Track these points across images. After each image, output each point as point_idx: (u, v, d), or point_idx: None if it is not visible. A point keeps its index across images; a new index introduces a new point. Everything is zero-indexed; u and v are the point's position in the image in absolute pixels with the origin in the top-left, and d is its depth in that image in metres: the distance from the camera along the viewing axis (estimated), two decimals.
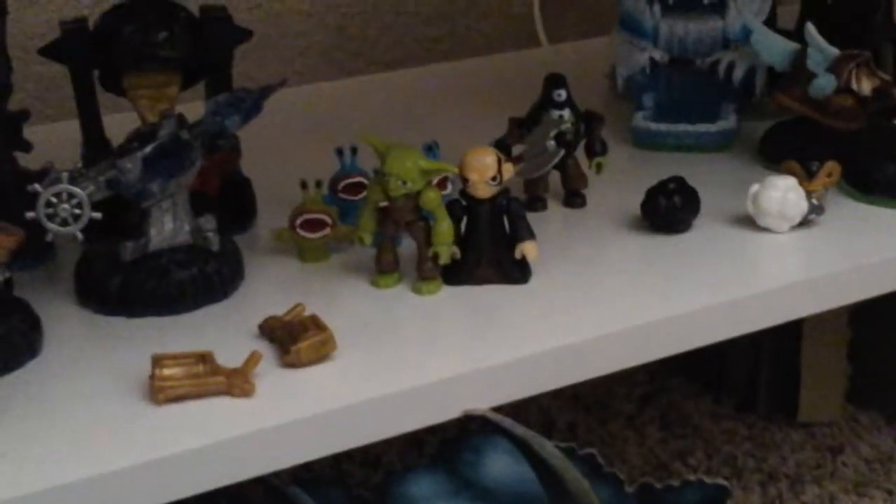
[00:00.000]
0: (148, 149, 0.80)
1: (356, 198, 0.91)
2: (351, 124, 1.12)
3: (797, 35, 1.02)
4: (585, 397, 1.22)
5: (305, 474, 0.98)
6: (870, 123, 0.96)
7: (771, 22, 1.06)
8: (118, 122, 0.92)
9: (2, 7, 0.88)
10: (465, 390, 0.74)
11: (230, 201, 0.92)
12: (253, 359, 0.72)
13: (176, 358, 0.71)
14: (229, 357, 0.73)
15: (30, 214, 0.77)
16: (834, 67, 0.96)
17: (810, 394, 1.15)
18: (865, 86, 0.96)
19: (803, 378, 1.15)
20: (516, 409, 0.77)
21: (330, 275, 0.86)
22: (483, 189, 0.83)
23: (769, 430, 1.17)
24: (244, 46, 0.92)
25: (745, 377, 1.19)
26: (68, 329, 0.80)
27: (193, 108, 0.86)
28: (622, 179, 0.98)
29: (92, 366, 0.75)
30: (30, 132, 0.91)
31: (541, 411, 1.19)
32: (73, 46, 0.89)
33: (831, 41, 0.97)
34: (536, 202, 0.94)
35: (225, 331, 0.79)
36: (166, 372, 0.70)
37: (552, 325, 0.79)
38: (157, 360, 0.71)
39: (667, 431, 1.17)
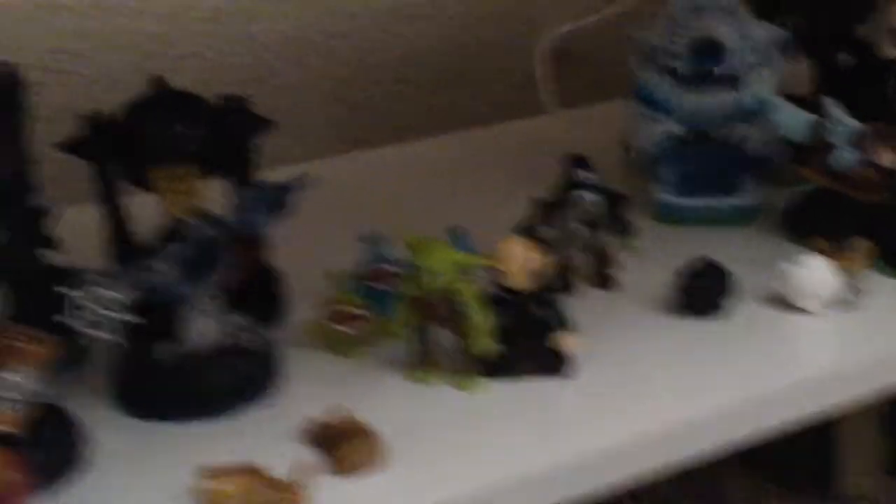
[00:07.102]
0: (181, 250, 0.79)
1: (387, 287, 0.90)
2: (366, 200, 1.12)
3: (810, 101, 1.02)
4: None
5: None
6: (893, 196, 0.95)
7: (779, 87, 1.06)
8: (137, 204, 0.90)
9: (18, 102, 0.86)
10: (519, 494, 0.73)
11: (260, 295, 0.91)
12: (302, 469, 0.71)
13: (227, 472, 0.70)
14: (273, 461, 0.72)
15: (61, 318, 0.76)
16: (855, 140, 0.96)
17: (847, 467, 1.14)
18: (887, 158, 0.96)
19: (840, 451, 1.14)
20: None
21: (368, 369, 0.85)
22: (518, 280, 0.82)
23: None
24: None
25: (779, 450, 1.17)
26: (106, 437, 0.78)
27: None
28: (649, 257, 0.98)
29: (133, 478, 0.74)
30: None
31: None
32: (96, 143, 0.87)
33: (847, 111, 0.97)
34: (567, 286, 0.94)
35: (267, 435, 0.77)
36: (217, 486, 0.69)
37: (595, 424, 0.78)
38: (207, 473, 0.70)
39: None
